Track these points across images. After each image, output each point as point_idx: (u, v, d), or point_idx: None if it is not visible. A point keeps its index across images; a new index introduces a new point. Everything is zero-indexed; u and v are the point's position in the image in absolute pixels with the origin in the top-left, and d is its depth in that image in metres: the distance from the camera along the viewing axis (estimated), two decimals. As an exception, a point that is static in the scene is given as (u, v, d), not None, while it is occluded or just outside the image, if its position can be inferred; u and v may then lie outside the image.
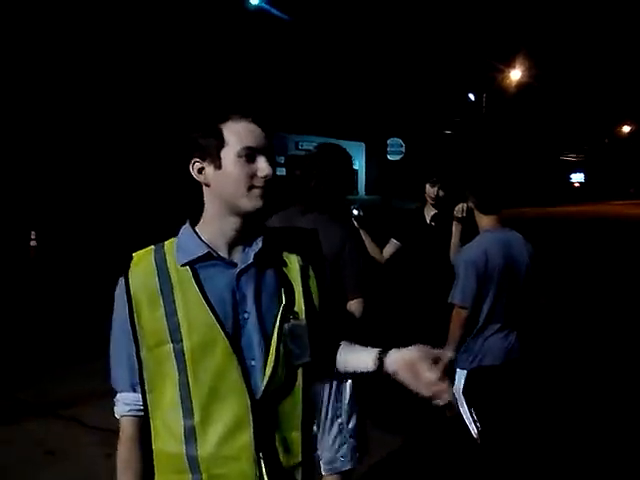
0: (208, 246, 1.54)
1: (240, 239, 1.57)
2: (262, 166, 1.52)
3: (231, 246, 1.57)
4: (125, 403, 1.57)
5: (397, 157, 20.47)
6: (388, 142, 20.56)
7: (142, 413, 1.55)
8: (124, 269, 1.56)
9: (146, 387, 1.53)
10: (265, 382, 1.50)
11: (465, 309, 3.08)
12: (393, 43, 32.03)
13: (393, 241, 4.46)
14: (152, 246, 1.60)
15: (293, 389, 1.56)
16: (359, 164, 36.05)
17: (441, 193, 4.34)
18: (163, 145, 17.77)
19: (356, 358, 1.65)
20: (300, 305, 1.59)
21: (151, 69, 19.34)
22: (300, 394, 1.57)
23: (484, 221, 3.22)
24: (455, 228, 3.86)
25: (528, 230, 3.56)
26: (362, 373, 1.61)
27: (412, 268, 4.37)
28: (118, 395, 1.59)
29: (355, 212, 3.89)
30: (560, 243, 16.19)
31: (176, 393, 1.49)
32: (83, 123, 17.46)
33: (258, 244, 1.57)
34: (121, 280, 1.55)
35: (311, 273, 1.66)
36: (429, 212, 4.44)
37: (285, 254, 1.64)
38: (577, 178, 59.51)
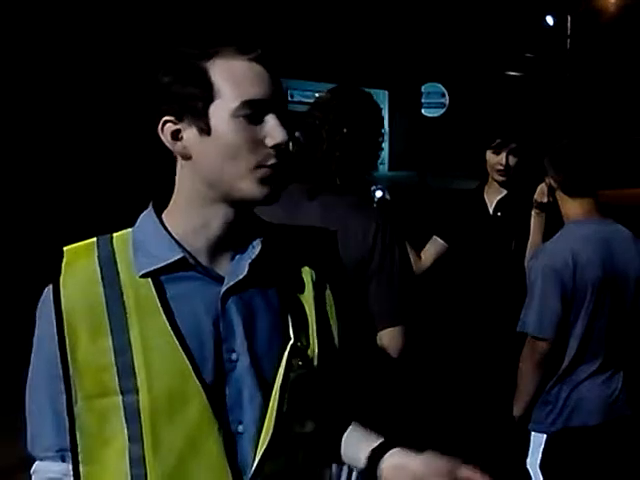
0: (183, 248, 1.49)
1: (229, 240, 1.53)
2: (273, 130, 1.47)
3: (214, 250, 1.52)
4: (47, 477, 1.54)
5: (437, 112, 20.61)
6: (423, 90, 20.65)
7: None
8: (52, 274, 1.50)
9: (80, 456, 1.48)
10: (258, 458, 1.47)
11: (544, 341, 3.10)
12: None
13: (437, 240, 4.43)
14: (93, 239, 1.55)
15: (294, 469, 1.54)
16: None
17: (512, 161, 4.12)
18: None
19: (353, 447, 1.67)
20: (313, 344, 1.57)
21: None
22: (303, 476, 1.56)
23: (571, 208, 3.23)
24: (536, 220, 3.83)
25: (636, 222, 3.56)
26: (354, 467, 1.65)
27: (465, 280, 4.31)
28: (37, 465, 1.55)
29: (379, 194, 3.89)
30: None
31: (124, 469, 1.44)
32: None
33: (255, 249, 1.53)
34: (47, 291, 1.50)
35: (329, 294, 1.64)
36: (493, 195, 4.27)
37: (294, 266, 1.62)
38: None
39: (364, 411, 1.76)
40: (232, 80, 1.46)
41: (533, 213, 3.79)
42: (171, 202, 1.55)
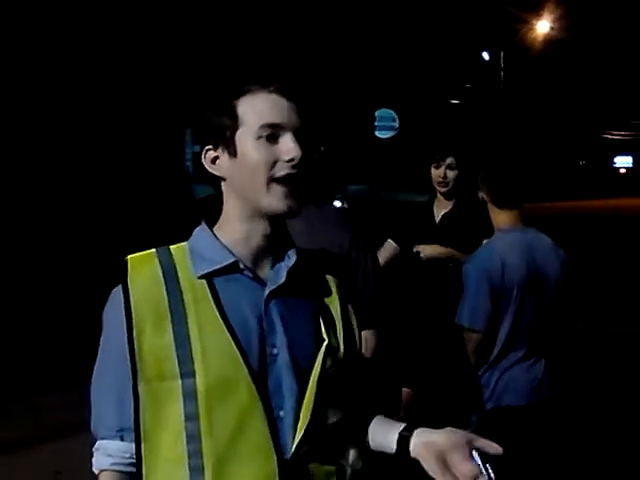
0: (233, 254, 1.55)
1: (268, 250, 1.59)
2: (286, 146, 1.53)
3: (257, 258, 1.58)
4: (107, 454, 1.54)
5: (388, 134, 20.52)
6: (376, 115, 20.60)
7: (130, 468, 1.52)
8: (120, 275, 1.54)
9: (141, 433, 1.49)
10: (297, 440, 1.50)
11: (476, 333, 3.13)
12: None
13: (390, 243, 4.41)
14: (152, 250, 1.60)
15: (329, 451, 1.58)
16: (338, 144, 36.25)
17: (450, 174, 4.15)
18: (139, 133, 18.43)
19: (382, 434, 1.67)
20: (340, 346, 1.62)
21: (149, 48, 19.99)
22: (334, 458, 1.60)
23: (500, 218, 3.27)
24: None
25: (557, 230, 3.61)
26: (385, 454, 1.64)
27: (413, 280, 4.29)
28: (98, 443, 1.56)
29: (338, 204, 3.89)
30: (601, 248, 16.35)
31: (182, 446, 1.46)
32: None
33: (291, 258, 1.59)
34: (117, 290, 1.54)
35: (351, 310, 1.69)
36: (441, 209, 4.27)
37: (324, 277, 1.68)
38: (623, 162, 60.17)
39: (379, 401, 1.79)
40: (254, 110, 1.53)
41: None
42: (220, 218, 1.61)
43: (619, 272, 13.23)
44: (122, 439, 1.53)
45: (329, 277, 1.68)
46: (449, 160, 4.14)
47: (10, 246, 12.77)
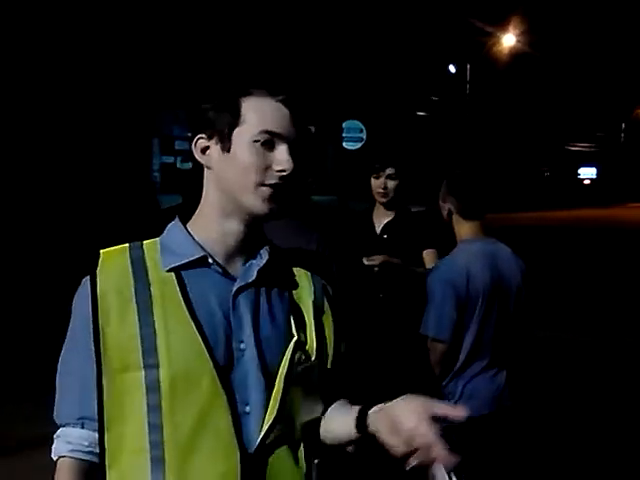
0: (204, 249, 1.57)
1: (241, 248, 1.61)
2: (281, 157, 1.55)
3: (230, 255, 1.60)
4: (67, 441, 1.55)
5: (356, 145, 20.57)
6: (344, 126, 20.64)
7: (89, 457, 1.54)
8: (89, 267, 1.55)
9: (104, 424, 1.49)
10: (262, 434, 1.50)
11: (442, 343, 3.14)
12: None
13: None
14: (125, 244, 1.61)
15: (293, 447, 1.58)
16: (306, 154, 36.13)
17: (391, 184, 4.14)
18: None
19: (342, 418, 1.64)
20: (312, 344, 1.62)
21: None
22: (302, 454, 1.59)
23: (464, 229, 3.28)
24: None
25: (521, 241, 3.62)
26: (343, 444, 1.63)
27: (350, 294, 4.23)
28: (60, 430, 1.57)
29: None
30: (564, 258, 16.48)
31: (144, 437, 1.47)
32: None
33: (263, 257, 1.61)
34: (86, 280, 1.55)
35: (326, 307, 1.71)
36: (381, 218, 4.25)
37: (296, 276, 1.69)
38: (588, 173, 60.75)
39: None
40: (258, 112, 1.55)
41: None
42: (197, 212, 1.63)
43: (582, 282, 13.31)
44: (82, 427, 1.54)
45: (302, 273, 1.70)
46: (389, 170, 4.13)
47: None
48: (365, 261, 3.89)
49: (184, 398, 1.46)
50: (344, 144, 20.65)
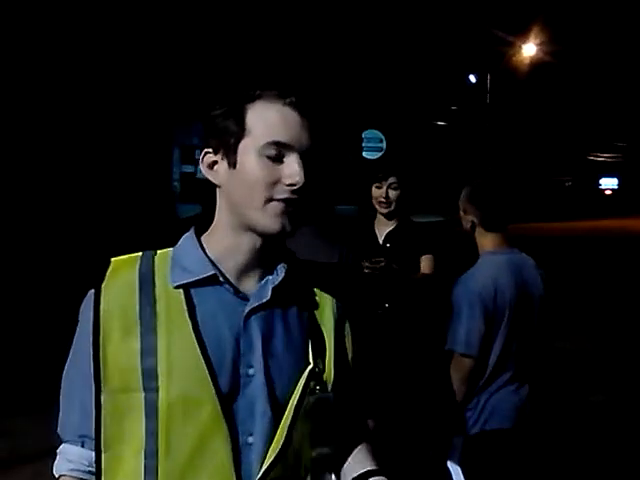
0: (215, 266, 1.48)
1: (256, 264, 1.51)
2: (290, 169, 1.44)
3: (242, 272, 1.50)
4: (68, 459, 1.50)
5: (375, 155, 20.51)
6: (364, 135, 20.62)
7: (89, 476, 1.48)
8: (96, 279, 1.48)
9: (102, 444, 1.43)
10: (264, 468, 1.41)
11: (471, 358, 3.08)
12: (370, 6, 32.25)
13: None
14: (139, 253, 1.53)
15: None
16: (326, 164, 36.15)
17: (392, 194, 4.14)
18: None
19: (350, 468, 1.62)
20: (330, 372, 1.53)
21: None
22: None
23: (487, 240, 3.25)
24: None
25: (541, 251, 3.59)
26: None
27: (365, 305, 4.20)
28: (62, 446, 1.52)
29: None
30: (584, 269, 16.39)
31: (139, 461, 1.40)
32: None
33: (279, 274, 1.51)
34: (90, 293, 1.48)
35: (347, 330, 1.62)
36: (383, 228, 4.25)
37: (317, 295, 1.60)
38: (609, 184, 60.47)
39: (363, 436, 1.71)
40: (264, 121, 1.44)
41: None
42: (212, 226, 1.54)
43: (604, 292, 13.22)
44: (82, 445, 1.48)
45: (325, 296, 1.61)
46: (391, 180, 4.13)
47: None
48: (367, 264, 3.87)
49: (182, 425, 1.39)
50: (364, 154, 20.60)
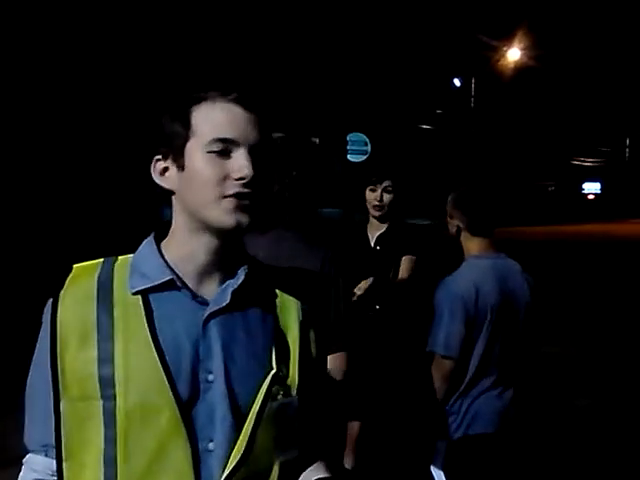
0: (173, 271, 1.46)
1: (215, 268, 1.49)
2: (238, 163, 1.43)
3: (202, 276, 1.48)
4: (32, 469, 1.50)
5: (360, 158, 20.57)
6: (348, 138, 20.66)
7: None
8: (56, 287, 1.47)
9: (62, 452, 1.42)
10: (225, 475, 1.39)
11: (450, 360, 3.09)
12: (351, 7, 32.28)
13: None
14: (101, 259, 1.52)
15: None
16: (310, 167, 36.05)
17: (386, 198, 4.15)
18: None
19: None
20: (294, 377, 1.51)
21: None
22: None
23: (473, 245, 3.26)
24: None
25: (524, 255, 3.59)
26: None
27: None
28: (27, 456, 1.52)
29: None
30: (567, 273, 16.46)
31: (99, 470, 1.39)
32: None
33: (239, 278, 1.49)
34: (49, 303, 1.47)
35: (312, 335, 1.59)
36: (375, 231, 4.26)
37: (281, 299, 1.57)
38: (591, 188, 60.77)
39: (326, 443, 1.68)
40: (208, 120, 1.44)
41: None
42: (170, 231, 1.52)
43: (588, 296, 13.28)
44: (46, 454, 1.47)
45: (290, 299, 1.58)
46: (386, 183, 4.14)
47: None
48: (357, 291, 3.88)
49: (140, 432, 1.37)
50: (349, 157, 20.68)
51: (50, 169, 17.27)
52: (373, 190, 4.16)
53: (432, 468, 3.25)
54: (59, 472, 1.43)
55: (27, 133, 17.16)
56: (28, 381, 1.52)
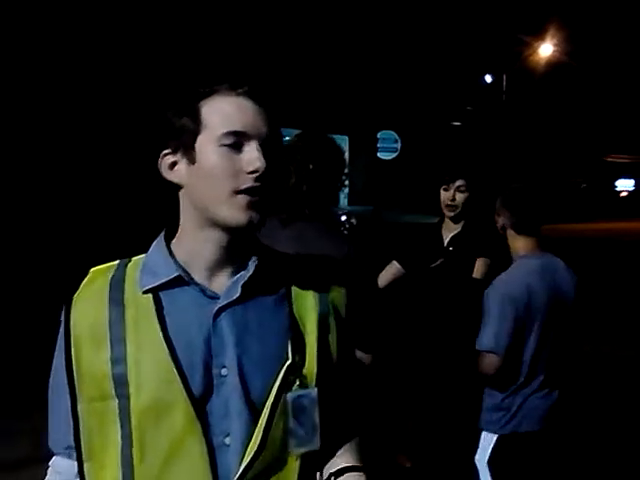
0: (180, 267, 1.46)
1: (225, 262, 1.48)
2: (250, 156, 1.42)
3: (212, 271, 1.48)
4: (57, 471, 1.53)
5: (390, 155, 20.48)
6: (379, 136, 20.58)
7: None
8: (70, 290, 1.49)
9: (83, 454, 1.44)
10: (241, 469, 1.40)
11: (498, 357, 3.12)
12: (384, 6, 32.14)
13: (395, 264, 4.37)
14: (117, 261, 1.53)
15: None
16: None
17: (459, 197, 4.08)
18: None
19: (332, 460, 1.60)
20: (312, 367, 1.49)
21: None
22: None
23: (520, 244, 3.29)
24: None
25: (558, 253, 3.58)
26: None
27: (417, 306, 4.21)
28: (52, 459, 1.54)
29: (344, 219, 3.79)
30: (601, 271, 16.30)
31: (118, 469, 1.40)
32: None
33: (250, 270, 1.47)
34: (64, 307, 1.48)
35: (332, 323, 1.55)
36: (449, 231, 4.21)
37: (296, 289, 1.53)
38: (625, 185, 59.96)
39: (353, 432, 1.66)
40: (218, 114, 1.43)
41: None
42: (179, 229, 1.52)
43: (618, 295, 13.19)
44: (70, 457, 1.49)
45: (306, 287, 1.55)
46: (459, 182, 4.07)
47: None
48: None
49: (155, 430, 1.38)
50: (379, 154, 20.57)
51: (66, 170, 17.29)
52: (446, 190, 4.10)
53: (476, 461, 3.28)
54: (80, 473, 1.45)
55: (44, 133, 17.18)
56: (49, 385, 1.54)
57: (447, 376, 3.85)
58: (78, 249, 11.90)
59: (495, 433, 3.21)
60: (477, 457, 3.29)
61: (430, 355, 3.97)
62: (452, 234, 4.17)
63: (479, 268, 3.99)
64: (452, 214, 4.12)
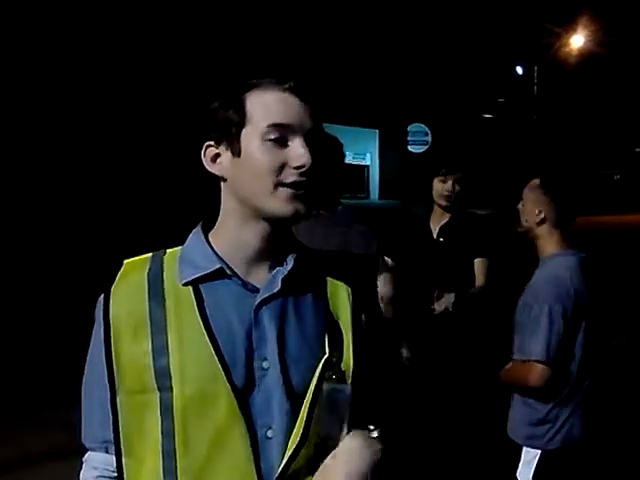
0: (222, 259, 1.46)
1: (265, 256, 1.49)
2: (296, 152, 1.42)
3: (252, 264, 1.49)
4: (93, 466, 1.51)
5: (421, 149, 20.50)
6: (409, 129, 20.60)
7: None
8: (107, 282, 1.49)
9: (122, 448, 1.44)
10: (284, 462, 1.39)
11: (550, 367, 2.92)
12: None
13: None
14: (150, 254, 1.54)
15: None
16: (371, 158, 36.05)
17: (457, 189, 4.17)
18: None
19: None
20: (348, 361, 1.48)
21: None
22: None
23: (554, 239, 3.09)
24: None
25: (590, 245, 3.46)
26: None
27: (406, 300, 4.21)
28: (87, 454, 1.53)
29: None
30: (633, 262, 16.11)
31: (159, 463, 1.39)
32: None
33: (289, 264, 1.48)
34: (100, 299, 1.49)
35: (364, 319, 1.54)
36: (437, 222, 4.27)
37: (332, 283, 1.54)
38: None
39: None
40: (263, 107, 1.44)
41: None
42: (218, 220, 1.53)
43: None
44: (107, 451, 1.49)
45: (339, 284, 1.55)
46: (458, 174, 4.18)
47: (24, 257, 12.93)
48: (437, 307, 3.95)
49: (198, 423, 1.38)
50: (409, 147, 20.66)
51: (100, 165, 17.53)
52: (443, 181, 4.18)
53: (518, 475, 3.12)
54: (119, 467, 1.44)
55: (70, 129, 17.38)
56: (84, 379, 1.54)
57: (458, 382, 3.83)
58: (113, 243, 12.00)
59: (539, 448, 3.04)
60: (519, 472, 3.14)
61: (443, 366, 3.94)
62: (441, 224, 4.25)
63: (480, 271, 4.07)
64: (447, 204, 4.20)
